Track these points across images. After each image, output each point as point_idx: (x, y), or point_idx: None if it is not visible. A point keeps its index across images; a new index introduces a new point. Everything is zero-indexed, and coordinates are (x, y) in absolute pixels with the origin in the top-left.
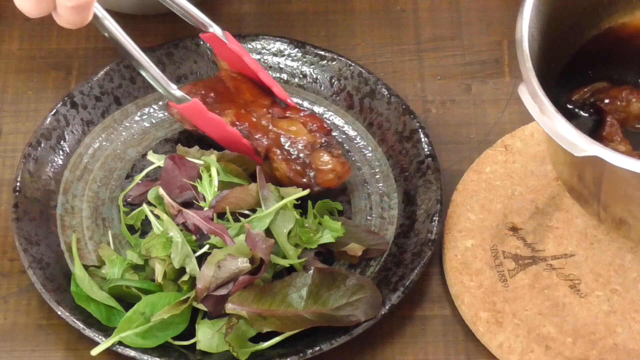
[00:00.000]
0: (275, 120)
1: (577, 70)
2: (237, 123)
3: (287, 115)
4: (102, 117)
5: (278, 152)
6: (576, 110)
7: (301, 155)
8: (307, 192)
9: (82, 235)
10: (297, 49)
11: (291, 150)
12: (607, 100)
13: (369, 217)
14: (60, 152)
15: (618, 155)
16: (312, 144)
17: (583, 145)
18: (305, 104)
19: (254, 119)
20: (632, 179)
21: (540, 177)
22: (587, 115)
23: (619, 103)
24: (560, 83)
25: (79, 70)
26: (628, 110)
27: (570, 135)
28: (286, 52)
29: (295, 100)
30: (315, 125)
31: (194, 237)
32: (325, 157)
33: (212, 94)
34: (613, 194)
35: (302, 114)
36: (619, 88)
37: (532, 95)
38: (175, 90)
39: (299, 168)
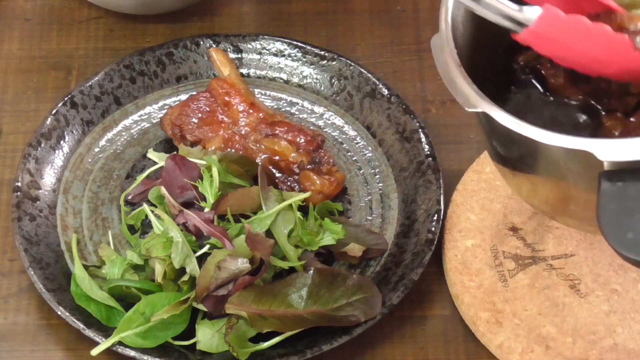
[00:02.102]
0: (263, 139)
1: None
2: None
3: (275, 132)
4: (102, 117)
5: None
6: (517, 75)
7: (289, 178)
8: (308, 194)
9: (82, 235)
10: (297, 49)
11: (278, 174)
12: (548, 64)
13: (369, 217)
14: (60, 152)
15: (503, 113)
16: (300, 163)
17: (474, 100)
18: (306, 104)
19: (242, 142)
20: (517, 138)
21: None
22: (526, 81)
23: (557, 68)
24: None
25: (79, 70)
26: (564, 78)
27: (465, 89)
28: (286, 52)
29: (295, 100)
30: (303, 140)
31: (194, 237)
32: (313, 178)
33: (199, 115)
34: (508, 154)
35: (289, 134)
36: None
37: (441, 47)
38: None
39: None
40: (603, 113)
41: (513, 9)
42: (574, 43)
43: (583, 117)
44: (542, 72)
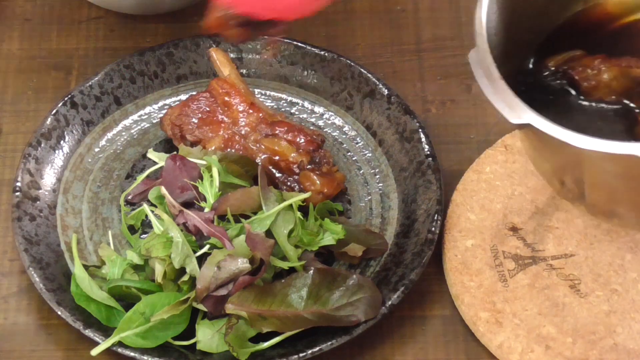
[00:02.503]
0: (263, 139)
1: (551, 50)
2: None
3: (275, 132)
4: (102, 117)
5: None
6: (549, 81)
7: (290, 178)
8: (308, 194)
9: (82, 235)
10: (297, 49)
11: (278, 174)
12: (579, 68)
13: (369, 217)
14: (60, 152)
15: (549, 123)
16: (300, 163)
17: (519, 112)
18: (306, 104)
19: (242, 142)
20: (565, 147)
21: (540, 177)
22: (559, 86)
23: (589, 71)
24: (534, 64)
25: (79, 70)
26: (598, 79)
27: (508, 100)
28: (286, 52)
29: (295, 100)
30: (303, 140)
31: (194, 237)
32: (313, 178)
33: (199, 115)
34: (558, 163)
35: (289, 134)
36: (592, 57)
37: (480, 61)
38: None
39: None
40: (637, 111)
41: None
42: None
43: (618, 117)
44: (574, 75)
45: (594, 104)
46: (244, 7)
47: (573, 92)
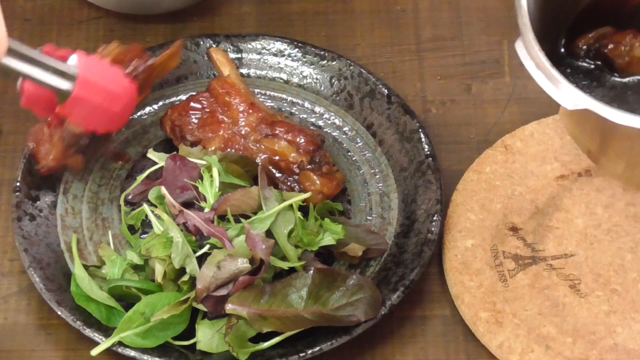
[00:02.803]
0: (263, 139)
1: (579, 30)
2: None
3: (275, 132)
4: None
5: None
6: (582, 61)
7: (290, 178)
8: (308, 194)
9: (82, 235)
10: (297, 49)
11: (278, 174)
12: (611, 46)
13: (369, 217)
14: None
15: (608, 108)
16: (300, 163)
17: (575, 98)
18: (306, 104)
19: (242, 142)
20: (627, 131)
21: (540, 177)
22: (592, 65)
23: (622, 48)
24: (565, 45)
25: None
26: (632, 54)
27: (565, 89)
28: (286, 52)
29: (295, 100)
30: (303, 140)
31: (194, 237)
32: (313, 178)
33: (199, 115)
34: (619, 146)
35: (289, 134)
36: (622, 33)
37: (528, 49)
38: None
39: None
40: None
41: (61, 64)
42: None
43: None
44: (607, 53)
45: (627, 80)
46: (85, 125)
47: (607, 70)
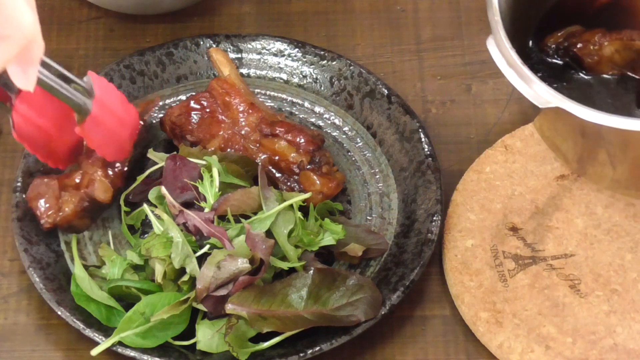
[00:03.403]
0: (263, 140)
1: (548, 28)
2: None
3: (275, 132)
4: None
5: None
6: (550, 59)
7: (290, 178)
8: (308, 195)
9: (82, 235)
10: (297, 49)
11: (278, 174)
12: (580, 45)
13: (369, 217)
14: None
15: (579, 106)
16: (300, 163)
17: (547, 96)
18: (306, 104)
19: (242, 142)
20: (594, 128)
21: (540, 177)
22: (561, 63)
23: (591, 47)
24: (534, 41)
25: (79, 70)
26: (600, 53)
27: (535, 86)
28: (286, 52)
29: (295, 100)
30: (303, 140)
31: (194, 237)
32: (313, 178)
33: (199, 115)
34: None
35: (289, 134)
36: (591, 32)
37: (499, 47)
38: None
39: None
40: None
41: (81, 80)
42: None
43: (622, 90)
44: (576, 52)
45: (595, 78)
46: (100, 150)
47: (575, 68)
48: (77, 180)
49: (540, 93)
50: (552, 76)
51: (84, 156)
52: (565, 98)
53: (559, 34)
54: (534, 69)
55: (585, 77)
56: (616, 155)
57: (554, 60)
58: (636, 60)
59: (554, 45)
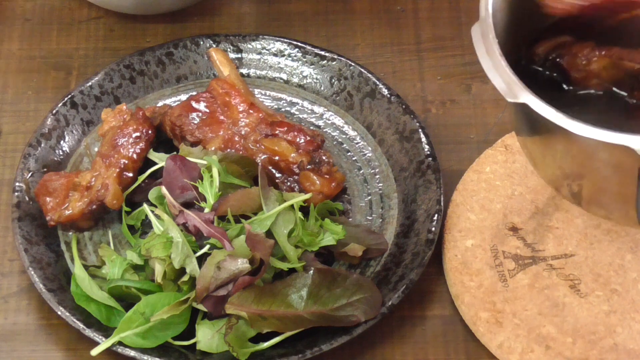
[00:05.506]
0: (263, 140)
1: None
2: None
3: (275, 132)
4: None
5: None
6: (540, 70)
7: (289, 179)
8: (309, 195)
9: (82, 235)
10: (297, 49)
11: (278, 174)
12: (567, 57)
13: (369, 217)
14: (60, 152)
15: (545, 105)
16: (300, 163)
17: (516, 91)
18: (306, 104)
19: (243, 142)
20: (558, 132)
21: (539, 176)
22: (547, 73)
23: (579, 61)
24: (525, 50)
25: (79, 70)
26: (588, 69)
27: (508, 79)
28: (286, 52)
29: (295, 100)
30: (303, 140)
31: (194, 238)
32: (313, 178)
33: (199, 115)
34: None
35: (289, 134)
36: (581, 44)
37: (483, 36)
38: None
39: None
40: (632, 102)
41: None
42: None
43: (605, 105)
44: (564, 64)
45: (581, 92)
46: None
47: (562, 80)
48: (89, 182)
49: (510, 86)
50: (535, 84)
51: (99, 155)
52: (534, 95)
53: (549, 43)
54: (521, 73)
55: (570, 89)
56: (576, 166)
57: (541, 69)
58: (623, 79)
59: (542, 55)
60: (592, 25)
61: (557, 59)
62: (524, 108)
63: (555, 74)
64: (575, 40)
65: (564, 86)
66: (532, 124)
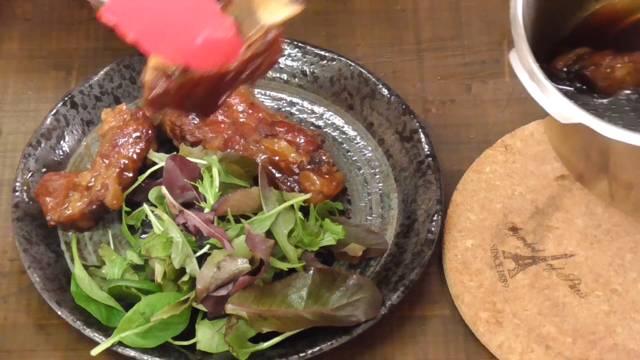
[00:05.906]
0: (263, 140)
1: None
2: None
3: (275, 132)
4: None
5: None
6: (563, 82)
7: (290, 179)
8: (309, 195)
9: (82, 235)
10: (297, 49)
11: (278, 174)
12: (592, 67)
13: (369, 217)
14: (60, 152)
15: (602, 123)
16: (300, 163)
17: (569, 112)
18: (305, 103)
19: (242, 142)
20: (619, 146)
21: (540, 177)
22: (571, 87)
23: (603, 70)
24: (544, 66)
25: (79, 70)
26: (613, 76)
27: (558, 102)
28: (286, 52)
29: (295, 100)
30: (303, 140)
31: (194, 238)
32: (313, 178)
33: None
34: (610, 162)
35: (289, 134)
36: (601, 53)
37: (522, 62)
38: None
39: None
40: None
41: None
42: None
43: (634, 110)
44: (589, 75)
45: (608, 101)
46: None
47: (587, 90)
48: (89, 182)
49: (563, 109)
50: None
51: (99, 155)
52: (589, 114)
53: (569, 56)
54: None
55: (598, 100)
56: (628, 173)
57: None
58: None
59: (565, 68)
60: (604, 34)
61: (582, 71)
62: (578, 127)
63: (579, 85)
64: (593, 50)
65: (593, 96)
66: (587, 142)
